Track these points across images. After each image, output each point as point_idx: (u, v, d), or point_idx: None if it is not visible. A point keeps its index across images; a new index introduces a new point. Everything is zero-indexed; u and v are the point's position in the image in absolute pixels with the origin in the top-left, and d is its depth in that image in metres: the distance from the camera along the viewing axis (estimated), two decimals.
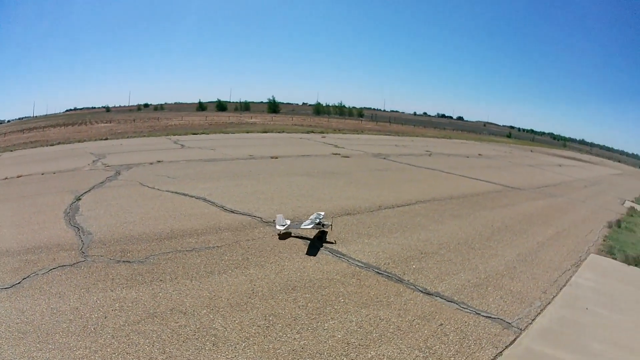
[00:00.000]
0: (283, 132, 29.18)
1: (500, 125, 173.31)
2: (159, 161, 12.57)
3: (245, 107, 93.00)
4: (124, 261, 4.88)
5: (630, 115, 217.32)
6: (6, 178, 10.17)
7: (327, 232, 6.25)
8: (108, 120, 57.59)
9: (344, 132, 35.57)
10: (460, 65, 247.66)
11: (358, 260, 5.46)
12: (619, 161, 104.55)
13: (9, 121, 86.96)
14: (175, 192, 8.44)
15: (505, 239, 7.45)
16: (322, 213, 6.21)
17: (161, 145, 18.09)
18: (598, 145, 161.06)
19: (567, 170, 27.41)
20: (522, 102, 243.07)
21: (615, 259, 7.60)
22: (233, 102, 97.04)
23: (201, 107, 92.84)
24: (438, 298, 4.64)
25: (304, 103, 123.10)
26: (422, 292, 4.72)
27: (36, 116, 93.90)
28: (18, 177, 10.29)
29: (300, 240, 5.99)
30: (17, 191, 8.65)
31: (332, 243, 5.93)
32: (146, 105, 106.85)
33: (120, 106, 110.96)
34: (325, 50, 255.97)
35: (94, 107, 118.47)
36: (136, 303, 3.90)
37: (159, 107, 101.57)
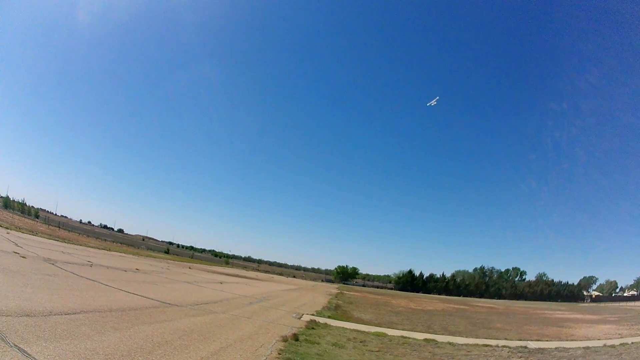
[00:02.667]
0: None
1: (159, 241, 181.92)
2: None
3: None
4: None
5: (298, 229, 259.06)
6: None
7: None
8: None
9: (23, 231, 35.08)
10: (123, 179, 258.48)
11: None
12: (294, 276, 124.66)
13: None
14: None
15: (167, 353, 8.08)
16: None
17: None
18: (267, 262, 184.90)
19: (230, 288, 29.80)
20: (183, 219, 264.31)
21: None
22: None
23: None
24: None
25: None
26: None
27: None
28: None
29: None
30: None
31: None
32: None
33: None
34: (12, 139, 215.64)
35: None
36: None
37: None
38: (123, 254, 46.31)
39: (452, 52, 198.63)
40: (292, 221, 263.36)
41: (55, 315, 9.16)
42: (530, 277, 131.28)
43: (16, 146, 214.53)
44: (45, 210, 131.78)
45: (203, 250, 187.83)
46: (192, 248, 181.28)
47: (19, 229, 36.01)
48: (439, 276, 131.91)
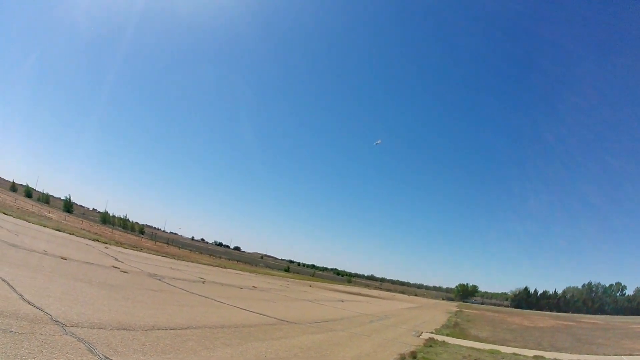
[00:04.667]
0: (73, 234, 33.35)
1: (278, 259, 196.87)
2: None
3: (46, 199, 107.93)
4: None
5: (421, 248, 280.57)
6: None
7: None
8: None
9: (125, 246, 38.10)
10: (239, 198, 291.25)
11: None
12: (416, 295, 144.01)
13: None
14: None
15: None
16: None
17: None
18: (389, 280, 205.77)
19: (350, 306, 32.66)
20: (304, 237, 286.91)
21: None
22: (38, 191, 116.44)
23: (13, 187, 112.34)
24: None
25: (94, 209, 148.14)
26: None
27: None
28: None
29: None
30: None
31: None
32: None
33: None
34: (115, 161, 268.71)
35: None
36: None
37: None
38: (239, 272, 49.94)
39: (455, 52, 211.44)
40: (415, 240, 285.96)
41: (158, 329, 9.41)
42: (629, 291, 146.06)
43: (122, 164, 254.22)
44: (151, 226, 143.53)
45: (325, 269, 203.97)
46: (313, 266, 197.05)
47: (120, 244, 39.12)
48: (550, 293, 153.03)
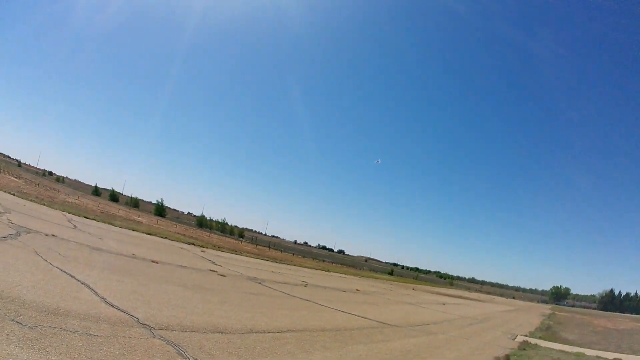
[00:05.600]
0: (166, 238, 33.82)
1: (382, 262, 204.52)
2: (54, 235, 16.21)
3: (135, 203, 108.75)
4: None
5: (520, 251, 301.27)
6: None
7: None
8: (17, 176, 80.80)
9: (223, 249, 38.83)
10: (343, 202, 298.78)
11: None
12: (513, 297, 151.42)
13: None
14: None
15: None
16: None
17: (57, 219, 24.05)
18: (489, 283, 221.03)
19: (451, 309, 33.17)
20: (408, 240, 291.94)
21: None
22: (125, 195, 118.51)
23: (96, 191, 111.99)
24: None
25: (189, 212, 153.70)
26: None
27: None
28: None
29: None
30: None
31: None
32: (50, 173, 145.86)
33: (28, 164, 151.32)
34: (213, 165, 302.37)
35: (6, 155, 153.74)
36: None
37: (61, 179, 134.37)
38: (343, 275, 50.44)
39: (459, 50, 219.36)
40: (514, 243, 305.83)
41: (256, 333, 9.46)
42: None
43: (221, 168, 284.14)
44: (252, 230, 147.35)
45: (428, 272, 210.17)
46: (416, 269, 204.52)
47: (217, 248, 37.34)
48: (632, 295, 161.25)
